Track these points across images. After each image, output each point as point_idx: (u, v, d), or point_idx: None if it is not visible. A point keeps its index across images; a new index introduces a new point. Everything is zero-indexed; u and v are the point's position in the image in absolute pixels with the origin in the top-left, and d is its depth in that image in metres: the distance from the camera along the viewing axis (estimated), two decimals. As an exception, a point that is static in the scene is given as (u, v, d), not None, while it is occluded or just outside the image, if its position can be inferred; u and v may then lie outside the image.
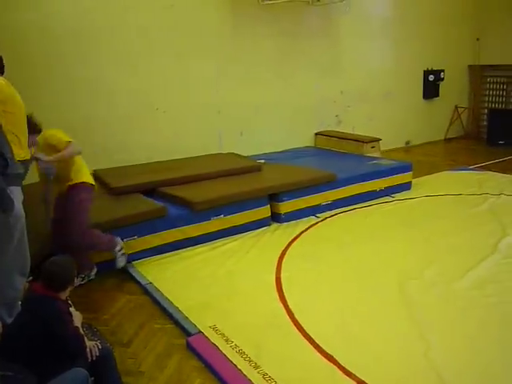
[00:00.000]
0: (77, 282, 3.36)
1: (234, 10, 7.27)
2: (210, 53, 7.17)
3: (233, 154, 7.12)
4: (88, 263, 4.30)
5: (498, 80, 10.62)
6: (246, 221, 5.40)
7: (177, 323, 3.67)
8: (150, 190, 5.54)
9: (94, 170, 6.08)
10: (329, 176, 6.08)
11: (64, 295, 2.68)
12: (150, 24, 6.59)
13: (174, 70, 6.87)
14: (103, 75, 6.33)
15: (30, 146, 3.48)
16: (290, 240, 5.15)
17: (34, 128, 3.71)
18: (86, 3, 6.09)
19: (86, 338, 2.63)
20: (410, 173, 6.93)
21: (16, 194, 3.14)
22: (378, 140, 7.92)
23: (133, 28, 6.49)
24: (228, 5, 7.22)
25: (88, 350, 2.58)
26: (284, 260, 4.66)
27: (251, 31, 7.50)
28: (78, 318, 2.73)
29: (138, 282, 4.36)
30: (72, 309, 2.75)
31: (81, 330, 2.65)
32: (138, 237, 4.73)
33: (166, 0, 6.66)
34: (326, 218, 5.84)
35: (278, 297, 3.95)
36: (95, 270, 4.33)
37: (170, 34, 6.76)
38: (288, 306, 3.79)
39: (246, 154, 7.22)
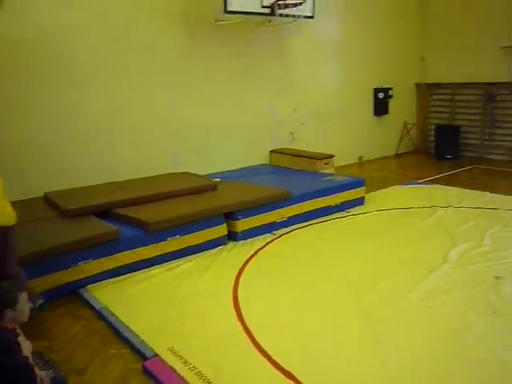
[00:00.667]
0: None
1: (187, 30, 7.33)
2: (164, 74, 7.18)
3: (188, 173, 7.11)
4: (31, 295, 4.04)
5: (444, 97, 11.10)
6: (203, 240, 5.38)
7: (133, 347, 3.59)
8: (104, 212, 5.45)
9: (45, 193, 5.96)
10: (284, 193, 6.16)
11: (9, 323, 2.59)
12: (104, 46, 6.55)
13: (129, 92, 6.84)
14: (56, 97, 6.22)
15: None
16: (246, 258, 5.16)
17: None
18: (31, 28, 5.97)
19: (36, 368, 2.55)
20: (363, 188, 7.10)
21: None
22: (332, 156, 8.10)
23: (88, 51, 6.44)
24: (182, 25, 7.27)
25: (39, 379, 2.50)
26: (241, 278, 4.66)
27: (205, 52, 7.57)
28: (27, 347, 2.64)
29: (92, 307, 4.25)
30: (21, 337, 2.66)
31: (30, 360, 2.57)
32: (93, 260, 4.64)
33: (120, 24, 6.66)
34: (282, 234, 5.90)
35: (235, 315, 3.94)
36: (40, 302, 4.06)
37: (124, 57, 6.75)
38: (246, 324, 3.78)
39: (201, 173, 7.23)
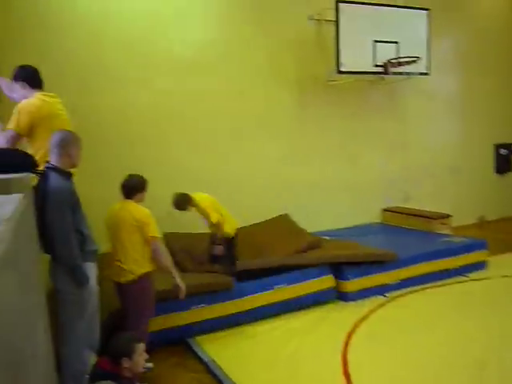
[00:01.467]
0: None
1: (300, 91, 7.55)
2: (277, 134, 7.40)
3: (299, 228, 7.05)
4: None
5: None
6: (309, 291, 5.35)
7: (240, 406, 3.56)
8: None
9: (164, 233, 6.15)
10: (389, 255, 5.82)
11: (126, 372, 2.69)
12: (222, 109, 6.94)
13: (243, 152, 7.15)
14: (174, 155, 6.64)
15: None
16: (357, 320, 4.96)
17: None
18: (158, 94, 6.47)
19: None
20: (485, 251, 6.60)
21: (91, 269, 3.30)
22: (448, 216, 7.68)
23: (207, 113, 6.83)
24: (295, 87, 7.51)
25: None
26: (351, 342, 4.47)
27: (316, 112, 7.70)
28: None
29: (200, 359, 4.31)
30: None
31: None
32: (206, 305, 4.77)
33: (238, 86, 7.06)
34: (396, 297, 5.61)
35: (345, 381, 3.77)
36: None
37: (239, 121, 7.08)
38: (356, 392, 3.60)
39: (311, 230, 7.18)
